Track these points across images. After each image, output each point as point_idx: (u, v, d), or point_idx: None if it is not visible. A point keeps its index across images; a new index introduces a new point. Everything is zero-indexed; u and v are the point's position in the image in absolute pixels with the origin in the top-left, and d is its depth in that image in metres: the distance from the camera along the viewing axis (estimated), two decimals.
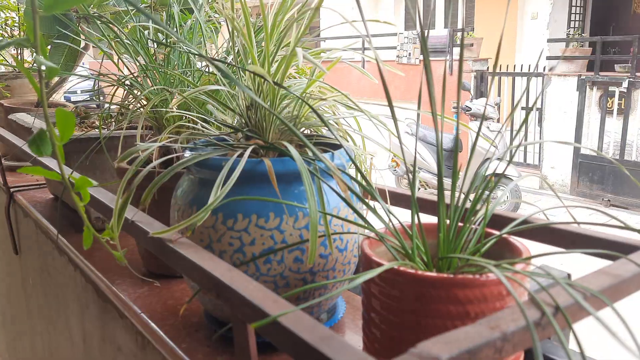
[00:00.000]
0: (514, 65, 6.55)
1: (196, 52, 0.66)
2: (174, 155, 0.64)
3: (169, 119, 0.78)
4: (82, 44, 1.20)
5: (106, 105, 0.99)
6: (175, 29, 0.84)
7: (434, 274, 0.43)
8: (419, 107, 0.52)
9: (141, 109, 0.81)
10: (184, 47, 0.73)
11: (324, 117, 0.63)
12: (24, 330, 1.55)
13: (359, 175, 0.60)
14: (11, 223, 1.28)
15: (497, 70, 6.09)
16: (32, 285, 1.28)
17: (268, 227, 0.53)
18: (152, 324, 0.64)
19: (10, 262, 1.46)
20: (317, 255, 0.55)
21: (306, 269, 0.55)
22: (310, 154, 0.58)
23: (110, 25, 0.86)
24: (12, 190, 1.21)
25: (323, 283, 0.37)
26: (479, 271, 0.46)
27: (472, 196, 0.51)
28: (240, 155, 0.54)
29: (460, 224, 0.50)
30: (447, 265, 0.48)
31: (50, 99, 1.39)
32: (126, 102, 0.88)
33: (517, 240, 0.51)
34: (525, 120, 0.46)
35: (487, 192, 0.48)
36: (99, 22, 1.00)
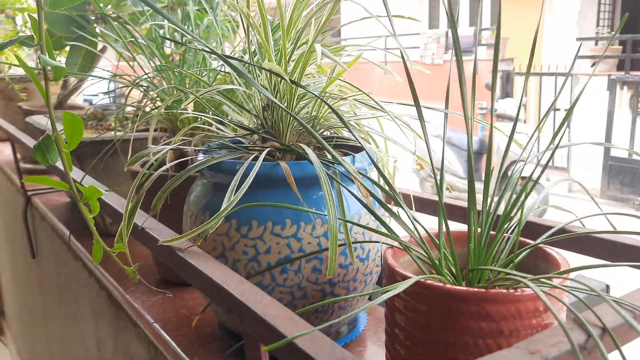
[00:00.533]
0: (541, 65, 6.42)
1: (209, 50, 0.64)
2: (189, 158, 0.61)
3: (183, 120, 0.75)
4: (100, 46, 1.18)
5: (123, 107, 0.97)
6: (190, 28, 0.81)
7: (463, 287, 0.39)
8: (446, 107, 0.49)
9: (155, 110, 0.79)
10: (198, 46, 0.70)
11: (344, 117, 0.60)
12: (41, 334, 1.55)
13: (381, 179, 0.56)
14: (28, 226, 1.27)
15: (523, 70, 5.97)
16: (49, 289, 1.27)
17: (284, 234, 0.50)
18: (165, 335, 0.62)
19: (28, 265, 1.46)
20: (336, 265, 0.51)
21: (325, 279, 0.51)
22: (329, 156, 0.55)
23: (126, 25, 0.84)
24: (29, 193, 1.20)
25: (343, 298, 0.34)
26: (514, 285, 0.42)
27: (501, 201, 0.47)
28: (256, 159, 0.51)
29: (491, 232, 0.46)
30: (478, 278, 0.45)
31: (69, 101, 1.39)
32: (142, 103, 0.86)
33: (553, 250, 0.47)
34: (562, 124, 0.42)
35: (521, 198, 0.44)
36: (115, 22, 0.98)
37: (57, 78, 0.43)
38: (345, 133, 0.65)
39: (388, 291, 0.40)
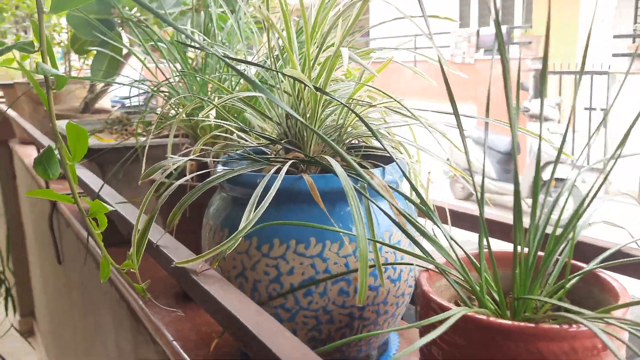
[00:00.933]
0: (576, 64, 6.23)
1: (231, 57, 0.60)
2: (211, 169, 0.58)
3: (205, 127, 0.72)
4: (125, 51, 1.17)
5: (145, 112, 0.95)
6: (213, 31, 0.78)
7: (510, 322, 0.35)
8: (487, 115, 0.44)
9: (176, 117, 0.76)
10: (216, 51, 0.67)
11: (372, 126, 0.55)
12: (69, 338, 1.55)
13: (413, 193, 0.52)
14: (54, 232, 1.26)
15: (557, 69, 5.81)
16: (74, 295, 1.27)
17: (309, 254, 0.46)
18: (184, 355, 0.58)
19: (55, 271, 1.46)
20: (367, 288, 0.47)
21: (353, 302, 0.47)
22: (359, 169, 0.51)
23: (148, 29, 0.81)
24: None
25: (373, 334, 0.30)
26: (565, 317, 0.37)
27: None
28: (278, 171, 0.47)
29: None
30: (524, 307, 0.40)
31: (96, 105, 1.38)
32: (165, 109, 0.84)
33: (609, 276, 0.42)
34: (628, 134, 0.37)
35: (577, 216, 0.39)
36: (139, 27, 0.96)
37: (59, 87, 0.40)
38: (375, 142, 0.60)
39: (426, 325, 0.36)
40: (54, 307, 1.77)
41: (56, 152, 0.47)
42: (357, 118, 0.55)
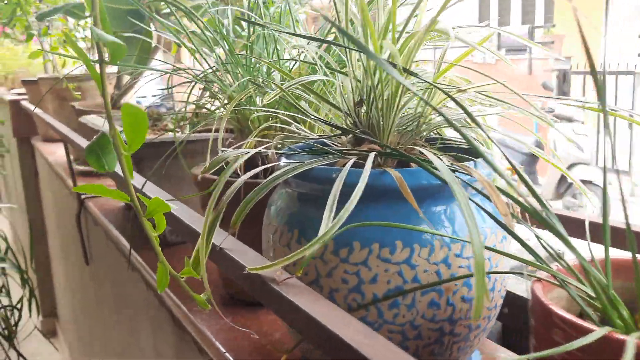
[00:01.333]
0: (601, 64, 6.10)
1: (290, 32, 0.55)
2: (269, 165, 0.52)
3: (253, 120, 0.66)
4: (155, 40, 1.12)
5: (182, 106, 0.90)
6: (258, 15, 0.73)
7: None
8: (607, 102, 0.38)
9: (222, 109, 0.70)
10: (277, 31, 0.62)
11: (452, 116, 0.50)
12: (97, 340, 1.50)
13: (512, 192, 0.46)
14: (82, 231, 1.22)
15: (580, 69, 5.69)
16: (103, 296, 1.22)
17: (394, 260, 0.40)
18: None
19: (82, 271, 1.41)
20: (460, 299, 0.41)
21: (444, 316, 0.41)
22: (444, 162, 0.45)
23: (189, 15, 0.76)
24: (82, 196, 1.15)
25: None
26: None
27: None
28: (357, 165, 0.41)
29: None
30: None
31: (122, 101, 1.33)
32: (202, 101, 0.78)
33: None
34: None
35: None
36: (172, 15, 0.91)
37: (115, 59, 0.35)
38: (448, 133, 0.55)
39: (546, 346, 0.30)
40: (80, 308, 1.73)
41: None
42: (436, 106, 0.49)
